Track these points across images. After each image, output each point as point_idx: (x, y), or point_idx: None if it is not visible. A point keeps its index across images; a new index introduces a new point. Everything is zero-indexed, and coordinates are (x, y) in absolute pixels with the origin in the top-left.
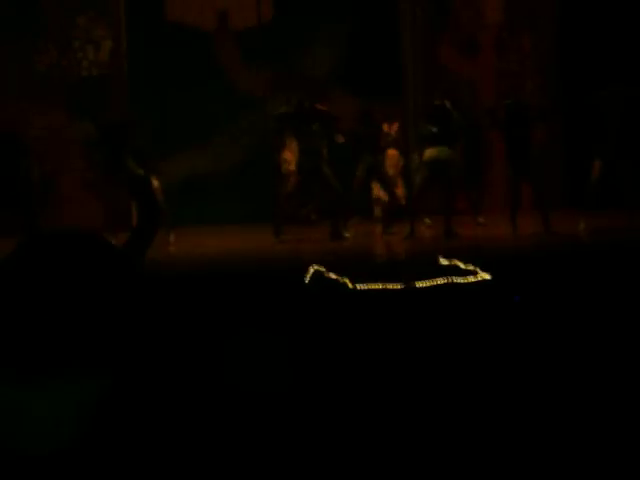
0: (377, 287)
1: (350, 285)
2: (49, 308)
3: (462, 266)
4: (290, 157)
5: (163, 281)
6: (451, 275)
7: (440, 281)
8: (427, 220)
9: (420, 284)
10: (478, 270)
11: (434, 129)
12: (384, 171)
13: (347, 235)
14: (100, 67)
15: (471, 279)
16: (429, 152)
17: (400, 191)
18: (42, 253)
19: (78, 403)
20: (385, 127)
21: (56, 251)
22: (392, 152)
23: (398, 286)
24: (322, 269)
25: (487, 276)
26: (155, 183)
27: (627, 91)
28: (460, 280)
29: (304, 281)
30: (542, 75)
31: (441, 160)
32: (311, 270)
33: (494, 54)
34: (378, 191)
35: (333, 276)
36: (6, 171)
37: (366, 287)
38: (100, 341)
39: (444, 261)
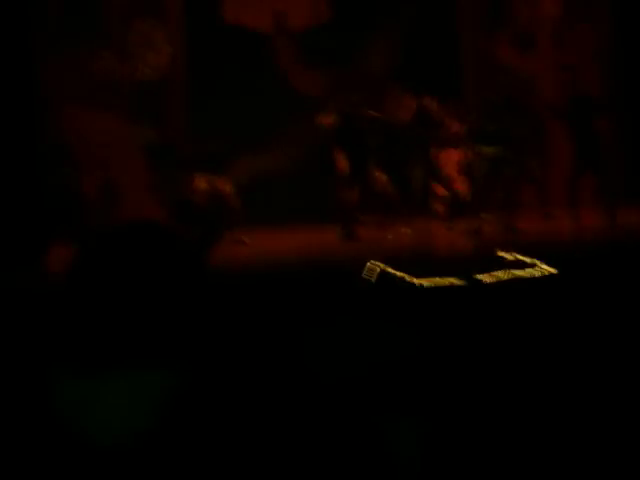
0: (441, 283)
1: (414, 282)
2: (122, 299)
3: (526, 260)
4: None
5: (242, 279)
6: (515, 269)
7: (504, 276)
8: (484, 215)
9: (484, 279)
10: (541, 264)
11: (495, 126)
12: (443, 169)
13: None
14: (159, 72)
15: (535, 273)
16: (489, 149)
17: (461, 188)
18: (113, 245)
19: (151, 395)
20: (445, 124)
21: (126, 242)
22: (452, 149)
23: (462, 282)
24: (388, 267)
25: (551, 270)
26: (227, 188)
27: None
28: (524, 274)
29: (371, 279)
30: (602, 67)
31: (501, 156)
32: (377, 269)
33: (553, 48)
34: (438, 188)
35: (399, 274)
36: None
37: (430, 283)
38: (174, 332)
39: (507, 256)
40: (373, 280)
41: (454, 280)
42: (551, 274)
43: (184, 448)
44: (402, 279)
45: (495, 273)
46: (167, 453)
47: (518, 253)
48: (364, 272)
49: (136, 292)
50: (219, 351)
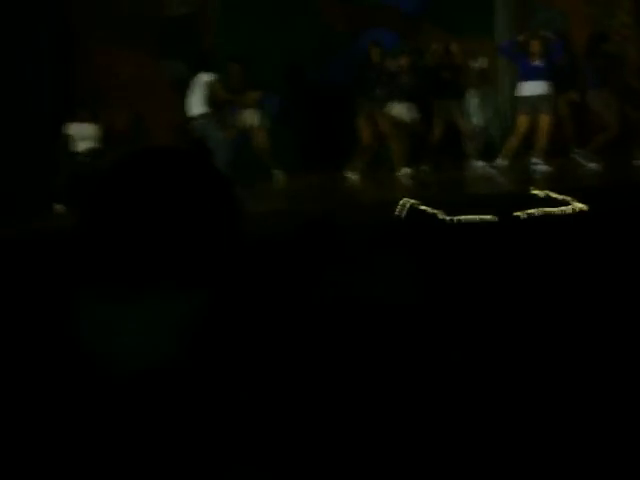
0: (472, 219)
1: (445, 218)
2: (146, 222)
3: (557, 197)
4: None
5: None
6: (546, 206)
7: (535, 212)
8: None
9: (515, 215)
10: (573, 200)
11: (534, 63)
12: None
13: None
14: (187, 5)
15: (567, 210)
16: (527, 87)
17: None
18: (131, 170)
19: (173, 321)
20: (471, 62)
21: (155, 166)
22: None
23: (493, 218)
24: (417, 203)
25: (583, 206)
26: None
27: None
28: (555, 211)
29: (400, 215)
30: (635, 2)
31: (537, 95)
32: (406, 205)
33: None
34: (466, 126)
35: (429, 210)
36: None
37: (461, 219)
38: (197, 258)
39: (538, 192)
40: (403, 216)
41: (486, 216)
42: (581, 210)
43: (204, 377)
44: (432, 215)
45: (527, 210)
46: (188, 381)
47: (550, 190)
48: (397, 209)
49: (157, 218)
50: (241, 282)
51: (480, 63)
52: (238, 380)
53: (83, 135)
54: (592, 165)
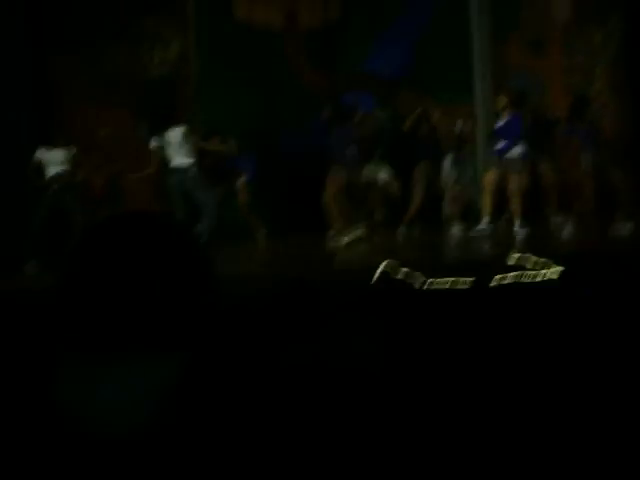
0: (446, 284)
1: (419, 282)
2: (120, 288)
3: (535, 260)
4: None
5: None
6: (523, 270)
7: (512, 276)
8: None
9: (492, 280)
10: (551, 264)
11: (501, 121)
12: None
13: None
14: (168, 67)
15: (543, 274)
16: (498, 145)
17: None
18: (109, 235)
19: (151, 385)
20: (450, 126)
21: (126, 232)
22: (458, 153)
23: (468, 283)
24: (390, 267)
25: (559, 270)
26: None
27: None
28: (532, 275)
29: (377, 279)
30: (611, 70)
31: (505, 153)
32: (379, 268)
33: (562, 51)
34: (450, 192)
35: (401, 274)
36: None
37: (435, 284)
38: (173, 322)
39: (516, 256)
40: (376, 279)
41: (462, 281)
42: (557, 274)
43: (182, 439)
44: (407, 278)
45: (506, 275)
46: (166, 443)
47: (535, 255)
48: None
49: (134, 282)
50: (218, 344)
51: (459, 127)
52: (215, 441)
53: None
54: (566, 231)
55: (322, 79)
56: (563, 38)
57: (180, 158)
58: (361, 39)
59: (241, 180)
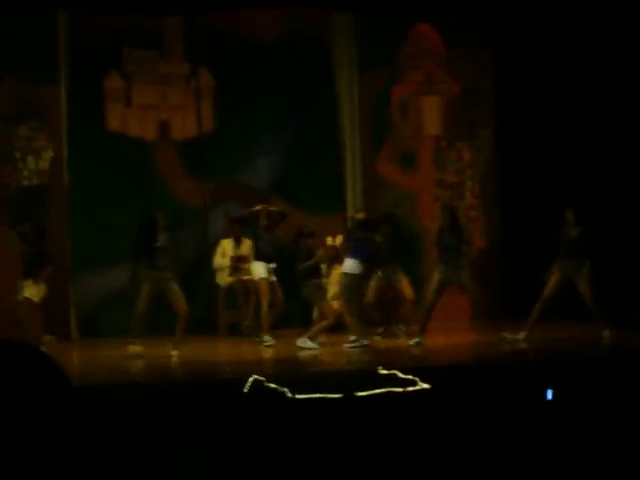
0: (316, 396)
1: (289, 395)
2: None
3: (401, 376)
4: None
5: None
6: (390, 385)
7: (379, 390)
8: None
9: (359, 394)
10: (417, 380)
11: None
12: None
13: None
14: (41, 177)
15: (410, 389)
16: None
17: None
18: None
19: None
20: (328, 241)
21: None
22: (337, 266)
23: (337, 396)
24: (262, 378)
25: (426, 386)
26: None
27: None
28: (399, 390)
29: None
30: (481, 185)
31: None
32: (250, 379)
33: (434, 166)
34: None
35: (272, 385)
36: None
37: (305, 396)
38: (35, 455)
39: (384, 371)
40: (246, 391)
41: (329, 394)
42: (424, 389)
43: None
44: (276, 391)
45: (373, 389)
46: None
47: (400, 371)
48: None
49: None
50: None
51: (334, 241)
52: None
53: None
54: (415, 341)
55: (194, 188)
56: (434, 153)
57: None
58: (234, 150)
59: None
